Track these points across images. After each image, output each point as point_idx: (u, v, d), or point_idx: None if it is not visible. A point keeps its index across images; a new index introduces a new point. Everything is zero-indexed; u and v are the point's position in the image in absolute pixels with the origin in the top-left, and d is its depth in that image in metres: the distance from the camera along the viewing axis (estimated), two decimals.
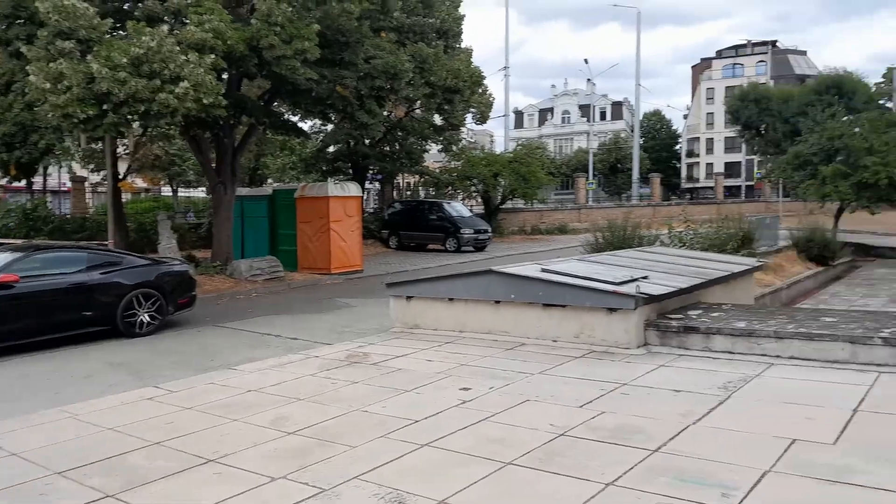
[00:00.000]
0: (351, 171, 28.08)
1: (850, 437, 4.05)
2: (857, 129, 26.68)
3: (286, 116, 21.51)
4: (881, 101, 51.64)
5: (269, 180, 34.30)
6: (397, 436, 4.55)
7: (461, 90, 22.97)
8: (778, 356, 6.16)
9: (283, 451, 4.41)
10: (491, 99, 31.16)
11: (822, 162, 26.14)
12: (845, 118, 29.55)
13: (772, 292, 15.48)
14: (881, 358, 5.67)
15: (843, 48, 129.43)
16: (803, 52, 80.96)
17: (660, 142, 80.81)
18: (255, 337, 9.61)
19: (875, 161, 24.10)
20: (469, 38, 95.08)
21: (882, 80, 60.27)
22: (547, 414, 4.87)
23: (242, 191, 19.96)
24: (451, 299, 8.22)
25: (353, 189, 18.10)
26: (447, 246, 24.38)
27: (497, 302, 7.78)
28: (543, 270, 7.92)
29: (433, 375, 6.16)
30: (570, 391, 5.44)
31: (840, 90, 46.99)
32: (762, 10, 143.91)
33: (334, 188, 17.62)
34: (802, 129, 31.74)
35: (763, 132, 53.36)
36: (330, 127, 27.25)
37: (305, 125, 26.40)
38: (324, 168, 28.79)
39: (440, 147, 30.88)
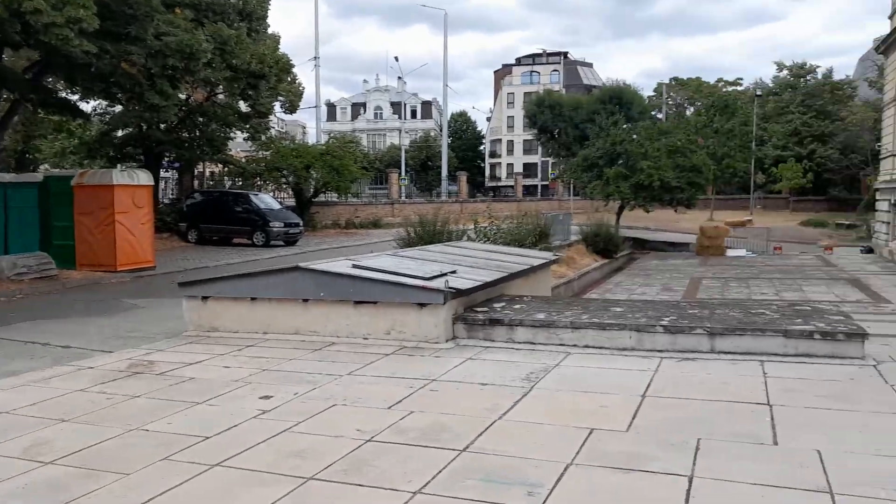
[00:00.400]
0: (143, 157, 25.55)
1: (640, 423, 4.28)
2: (634, 137, 29.85)
3: (62, 94, 18.89)
4: (653, 112, 58.55)
5: (45, 166, 30.16)
6: (183, 457, 3.99)
7: (267, 76, 21.87)
8: (575, 345, 6.48)
9: (37, 486, 3.66)
10: (301, 88, 30.15)
11: (607, 165, 28.89)
12: (625, 126, 32.90)
13: (566, 283, 16.67)
14: (662, 344, 6.19)
15: (622, 63, 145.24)
16: (590, 65, 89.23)
17: (466, 142, 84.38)
18: (15, 346, 8.20)
19: (649, 165, 27.12)
20: (278, 26, 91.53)
21: (654, 93, 68.43)
22: (354, 419, 4.60)
23: (5, 177, 17.16)
24: (254, 299, 7.62)
25: (143, 177, 16.36)
26: (255, 240, 23.16)
27: (305, 300, 7.36)
28: (355, 266, 7.64)
29: (230, 384, 5.60)
30: (380, 391, 5.23)
31: (621, 100, 52.49)
32: (554, 24, 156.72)
33: (120, 176, 15.81)
34: (590, 134, 34.82)
35: (557, 136, 57.94)
36: (118, 108, 24.53)
37: (87, 105, 23.47)
38: (111, 153, 25.86)
39: (246, 136, 29.26)
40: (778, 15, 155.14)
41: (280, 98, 27.84)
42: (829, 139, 53.15)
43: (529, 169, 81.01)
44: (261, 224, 23.24)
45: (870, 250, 26.76)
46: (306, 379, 5.66)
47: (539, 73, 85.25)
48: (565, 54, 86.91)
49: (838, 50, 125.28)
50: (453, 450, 3.93)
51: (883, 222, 26.47)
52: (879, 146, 30.32)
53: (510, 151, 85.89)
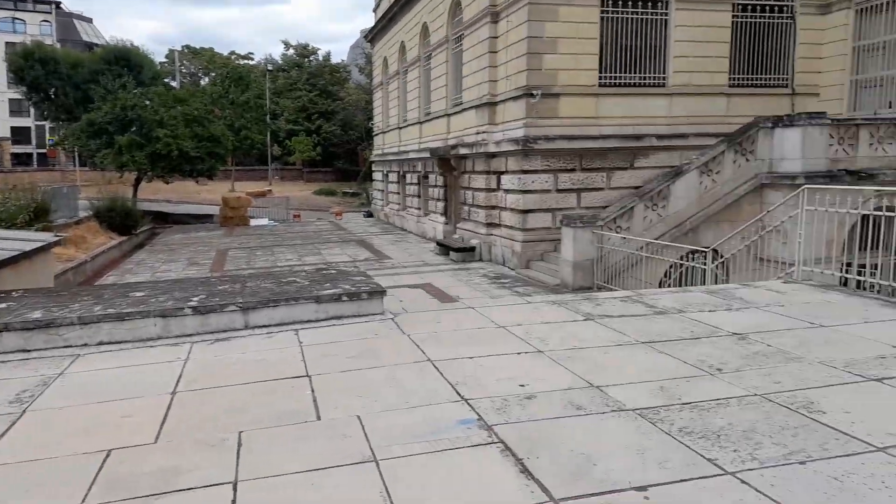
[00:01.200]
0: None
1: (172, 428, 3.62)
2: (147, 102, 27.61)
3: None
4: (166, 79, 55.48)
5: None
6: None
7: None
8: (85, 344, 5.34)
9: None
10: None
11: (118, 131, 26.07)
12: (136, 90, 30.13)
13: (75, 267, 14.46)
14: (192, 328, 5.57)
15: (128, 24, 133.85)
16: (90, 20, 79.64)
17: None
18: None
19: (166, 133, 25.52)
20: None
21: (166, 60, 65.01)
22: None
23: None
24: None
25: None
26: None
27: None
28: None
29: None
30: None
31: (129, 63, 47.91)
32: None
33: None
34: (95, 96, 30.82)
35: (53, 96, 49.80)
36: None
37: None
38: None
39: None
40: None
41: None
42: (333, 117, 59.42)
43: (21, 134, 68.18)
44: None
45: (370, 214, 30.96)
46: None
47: (25, 21, 71.95)
48: (58, 4, 75.10)
49: (335, 37, 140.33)
50: None
51: (378, 190, 30.87)
52: (372, 124, 35.10)
53: None
